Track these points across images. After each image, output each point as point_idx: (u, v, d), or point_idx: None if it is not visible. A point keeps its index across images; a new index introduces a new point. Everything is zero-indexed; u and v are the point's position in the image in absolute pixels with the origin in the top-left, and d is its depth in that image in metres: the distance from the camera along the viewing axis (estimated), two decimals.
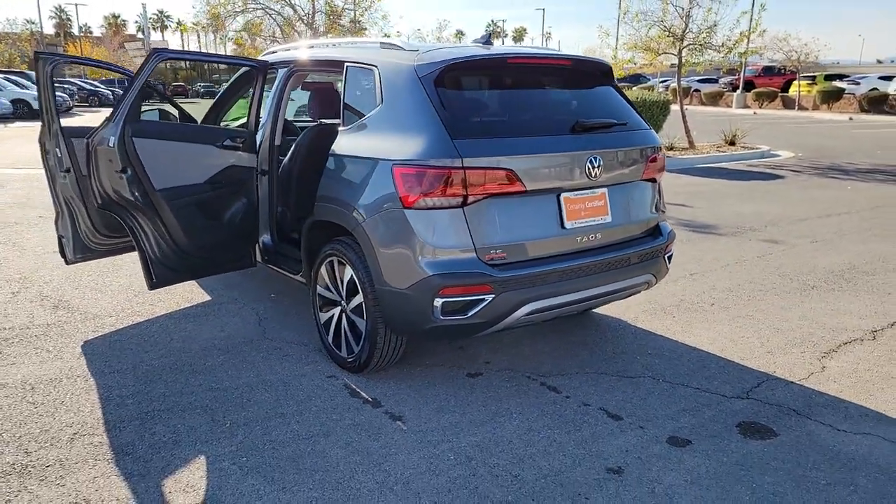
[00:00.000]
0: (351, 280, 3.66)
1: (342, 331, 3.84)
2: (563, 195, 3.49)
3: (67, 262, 4.66)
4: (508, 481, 2.83)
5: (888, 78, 35.57)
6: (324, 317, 4.01)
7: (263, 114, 4.56)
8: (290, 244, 4.73)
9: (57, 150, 4.35)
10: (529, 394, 3.61)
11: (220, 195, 4.31)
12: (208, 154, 4.19)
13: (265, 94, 4.47)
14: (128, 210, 4.05)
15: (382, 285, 3.40)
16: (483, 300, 3.24)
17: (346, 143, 3.71)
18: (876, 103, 31.22)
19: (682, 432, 3.22)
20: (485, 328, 3.34)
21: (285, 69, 4.58)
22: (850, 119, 28.74)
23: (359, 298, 3.62)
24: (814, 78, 36.94)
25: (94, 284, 5.44)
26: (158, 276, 4.19)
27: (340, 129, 3.82)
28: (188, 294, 5.18)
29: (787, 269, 6.01)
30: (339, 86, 4.19)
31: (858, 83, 35.86)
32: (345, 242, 3.68)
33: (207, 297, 5.16)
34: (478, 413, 3.40)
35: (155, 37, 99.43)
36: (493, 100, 3.62)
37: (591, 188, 3.59)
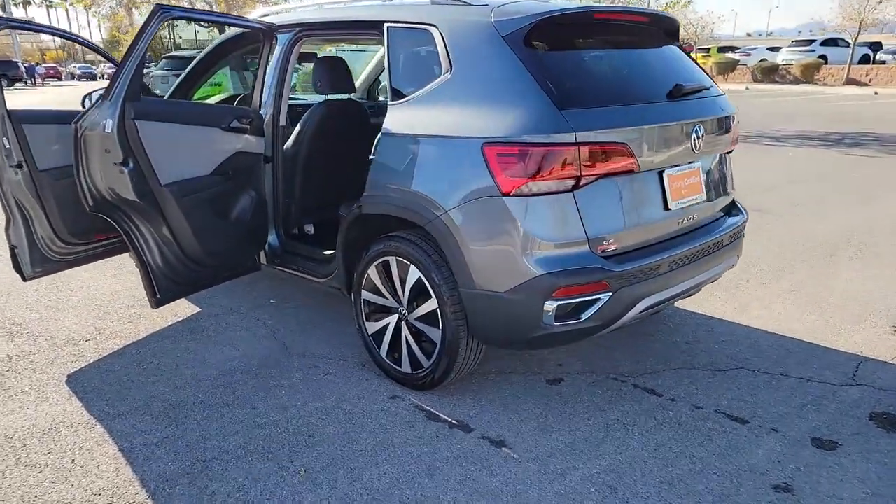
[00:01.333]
0: (418, 284, 3.08)
1: (402, 343, 3.26)
2: (665, 172, 3.05)
3: (25, 279, 3.77)
4: None
5: (775, 49, 37.64)
6: (373, 327, 3.40)
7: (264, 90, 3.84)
8: (302, 241, 4.06)
9: (4, 139, 3.46)
10: (629, 399, 3.18)
11: (229, 189, 3.59)
12: (214, 139, 3.45)
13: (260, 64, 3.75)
14: (125, 212, 3.26)
15: (471, 288, 2.85)
16: (599, 299, 2.76)
17: (403, 119, 3.09)
18: (768, 73, 32.93)
19: (820, 432, 2.89)
20: (596, 332, 2.86)
21: (289, 34, 3.87)
22: (747, 88, 30.11)
23: (431, 305, 3.04)
24: (708, 50, 38.52)
25: (47, 302, 4.53)
26: (164, 290, 3.43)
27: (390, 104, 3.19)
28: (172, 306, 4.39)
29: (791, 239, 5.89)
30: (373, 55, 3.54)
31: (750, 54, 37.75)
32: (408, 239, 3.08)
33: (197, 309, 4.39)
34: (587, 429, 2.93)
35: (17, 13, 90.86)
36: (587, 62, 3.11)
37: (690, 162, 3.17)
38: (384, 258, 3.22)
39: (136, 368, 3.55)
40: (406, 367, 3.26)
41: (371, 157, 3.20)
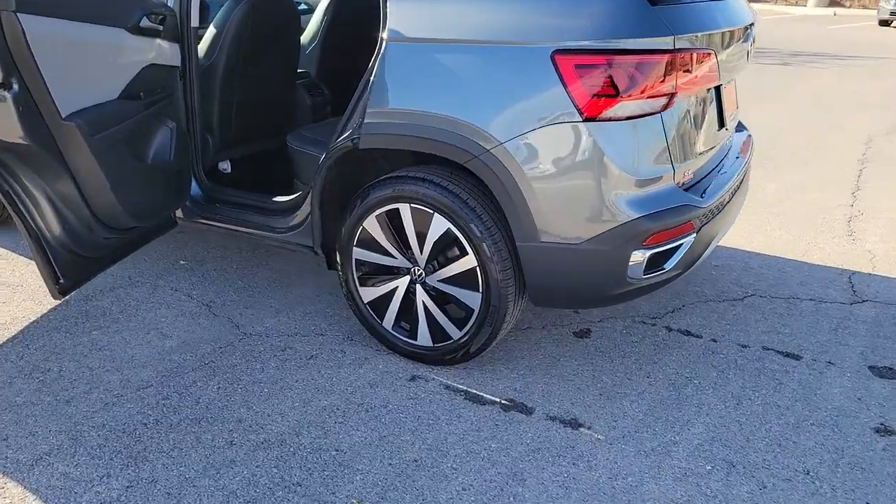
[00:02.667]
0: (446, 237, 2.42)
1: (418, 311, 2.60)
2: (722, 85, 2.62)
3: None
4: (812, 481, 2.10)
5: None
6: (371, 293, 2.69)
7: None
8: (237, 186, 3.16)
9: None
10: (671, 346, 2.85)
11: (146, 120, 2.58)
12: (121, 45, 2.40)
13: None
14: (2, 164, 2.18)
15: (533, 241, 2.26)
16: (684, 243, 2.32)
17: (422, 18, 2.31)
18: None
19: (870, 359, 2.76)
20: (671, 282, 2.43)
21: None
22: None
23: (466, 263, 2.41)
24: None
25: None
26: (69, 271, 2.42)
27: None
28: (42, 283, 3.26)
29: None
30: None
31: None
32: (432, 181, 2.39)
33: (91, 284, 3.30)
34: (654, 389, 2.55)
35: None
36: None
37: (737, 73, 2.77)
38: (391, 206, 2.49)
39: (29, 383, 2.53)
40: (425, 340, 2.62)
41: (372, 69, 2.39)
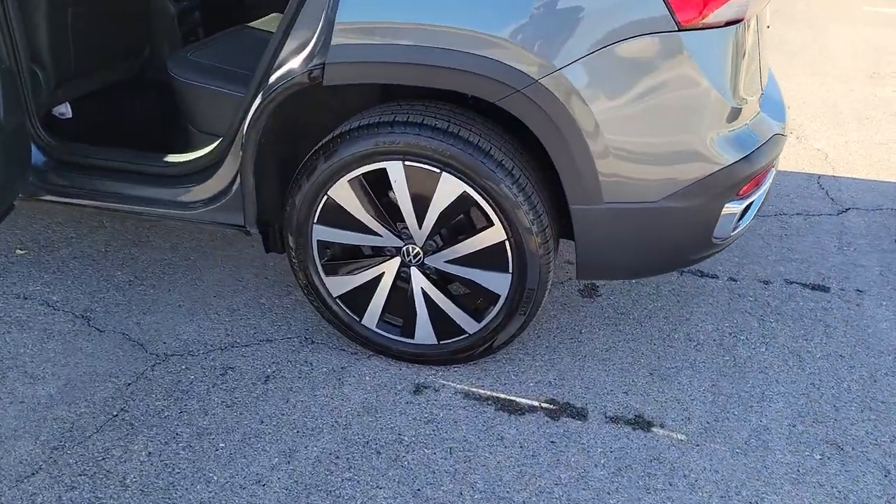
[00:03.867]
0: (460, 204, 1.74)
1: (416, 300, 1.92)
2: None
3: None
4: None
5: None
6: (343, 284, 1.96)
7: None
8: (87, 142, 2.20)
9: None
10: (692, 294, 2.42)
11: None
12: None
13: None
14: None
15: (593, 202, 1.65)
16: (766, 187, 1.83)
17: None
18: None
19: (893, 282, 2.53)
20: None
21: None
22: None
23: (490, 237, 1.76)
24: None
25: None
26: None
27: None
28: None
29: None
30: None
31: None
32: (439, 129, 1.67)
33: None
34: (705, 356, 2.12)
35: None
36: None
37: None
38: (373, 165, 1.74)
39: None
40: (426, 337, 1.97)
41: None
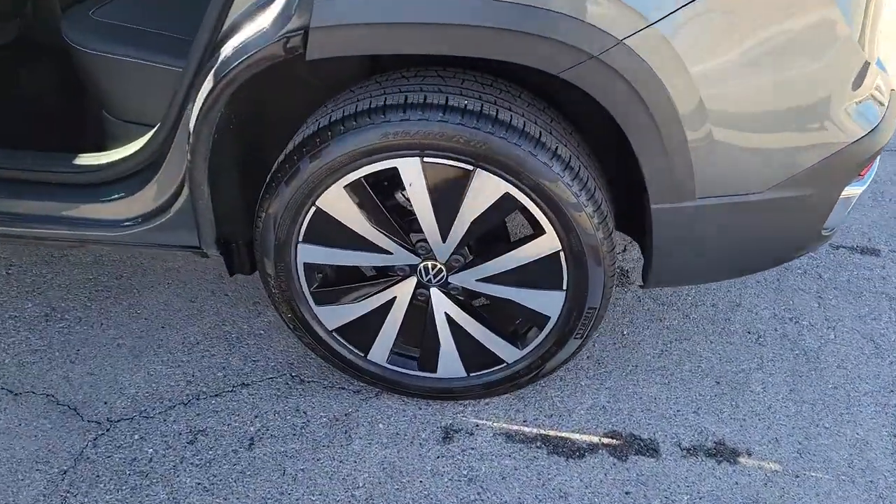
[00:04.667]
0: (500, 209, 1.30)
1: (442, 329, 1.49)
2: None
3: None
4: None
5: None
6: (341, 315, 1.50)
7: None
8: None
9: None
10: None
11: None
12: None
13: None
14: None
15: (682, 199, 1.24)
16: (875, 166, 1.47)
17: None
18: None
19: None
20: None
21: None
22: None
23: (538, 248, 1.34)
24: None
25: None
26: None
27: None
28: None
29: None
30: None
31: None
32: (471, 111, 1.21)
33: None
34: (796, 364, 1.79)
35: None
36: None
37: None
38: (379, 163, 1.28)
39: None
40: (452, 371, 1.55)
41: None
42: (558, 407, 1.63)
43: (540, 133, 1.24)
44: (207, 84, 1.23)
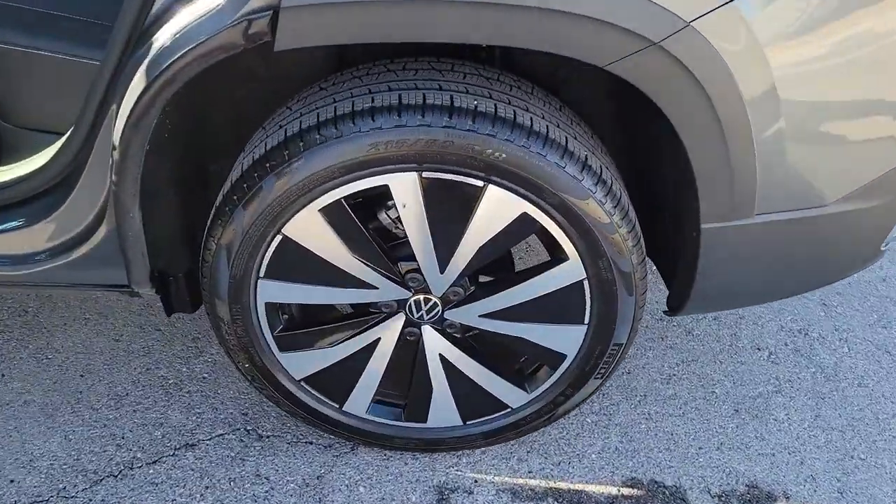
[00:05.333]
0: (513, 233, 1.06)
1: (435, 373, 1.24)
2: None
3: None
4: None
5: None
6: (312, 361, 1.22)
7: None
8: None
9: None
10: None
11: None
12: None
13: None
14: None
15: (743, 216, 1.03)
16: None
17: None
18: None
19: None
20: None
21: None
22: None
23: (558, 277, 1.10)
24: None
25: None
26: None
27: None
28: None
29: None
30: None
31: None
32: (484, 114, 0.95)
33: None
34: (815, 384, 1.63)
35: None
36: None
37: None
38: (368, 179, 1.01)
39: None
40: (445, 420, 1.30)
41: None
42: (566, 451, 1.41)
43: (566, 139, 1.00)
44: (137, 84, 0.92)
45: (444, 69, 1.04)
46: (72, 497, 1.27)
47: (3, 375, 1.47)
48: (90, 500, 1.26)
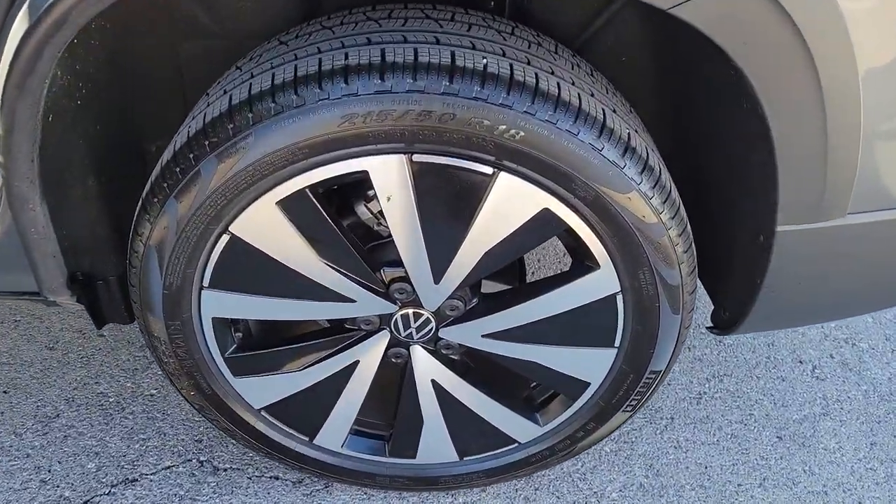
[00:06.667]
0: (531, 230, 0.82)
1: (428, 403, 1.01)
2: None
3: None
4: None
5: None
6: (273, 388, 0.98)
7: None
8: None
9: None
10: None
11: None
12: None
13: None
14: None
15: (833, 215, 0.79)
16: None
17: None
18: None
19: None
20: None
21: None
22: None
23: (585, 289, 0.87)
24: None
25: None
26: None
27: None
28: None
29: None
30: None
31: None
32: (489, 74, 0.71)
33: None
34: (865, 403, 1.40)
35: None
36: None
37: None
38: (340, 164, 0.76)
39: None
40: (438, 455, 1.07)
41: None
42: (581, 490, 1.18)
43: (604, 113, 0.75)
44: (17, 27, 0.67)
45: (443, 18, 0.79)
46: None
47: None
48: None
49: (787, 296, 0.89)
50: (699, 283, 1.00)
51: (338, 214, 0.89)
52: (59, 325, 1.38)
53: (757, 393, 1.38)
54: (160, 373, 1.30)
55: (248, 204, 0.79)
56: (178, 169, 0.77)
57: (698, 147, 0.94)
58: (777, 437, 1.30)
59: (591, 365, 0.96)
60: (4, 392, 1.25)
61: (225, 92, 0.77)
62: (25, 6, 0.66)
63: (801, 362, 1.46)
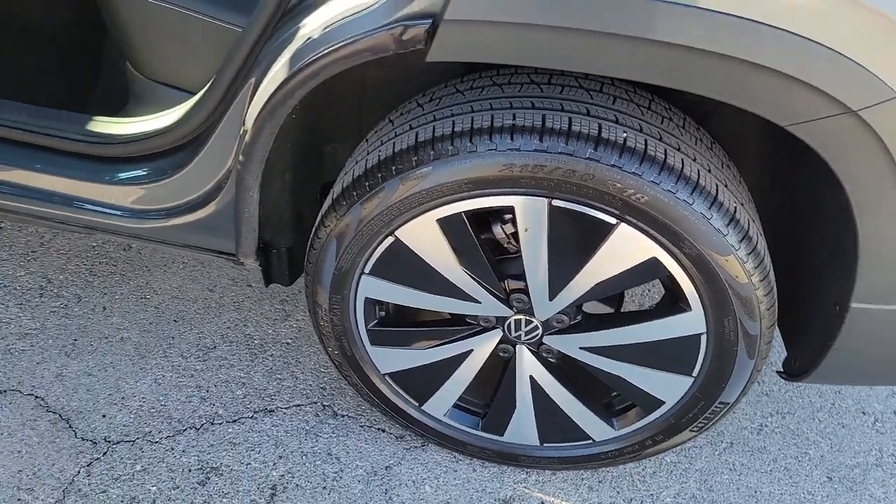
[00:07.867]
0: (638, 272, 0.99)
1: (523, 394, 1.20)
2: None
3: None
4: None
5: None
6: (399, 359, 1.21)
7: None
8: None
9: None
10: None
11: None
12: None
13: None
14: None
15: (892, 301, 0.93)
16: None
17: None
18: None
19: None
20: None
21: None
22: None
23: (677, 325, 1.03)
24: None
25: None
26: None
27: None
28: None
29: None
30: None
31: None
32: (626, 148, 0.89)
33: None
34: None
35: None
36: None
37: None
38: (494, 198, 0.96)
39: None
40: (523, 437, 1.27)
41: None
42: (639, 489, 1.36)
43: (717, 188, 0.91)
44: (279, 73, 0.89)
45: (593, 89, 0.96)
46: (156, 442, 1.31)
47: (104, 308, 1.53)
48: (172, 449, 1.31)
49: (856, 359, 1.03)
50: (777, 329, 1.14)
51: (477, 230, 1.08)
52: (217, 272, 1.65)
53: (816, 434, 1.51)
54: (294, 326, 1.56)
55: (414, 217, 1.00)
56: (367, 183, 0.98)
57: (794, 223, 1.07)
58: (828, 477, 1.43)
59: (668, 387, 1.12)
60: (175, 321, 1.53)
61: (411, 128, 0.97)
62: (286, 57, 0.88)
63: (864, 413, 1.56)
